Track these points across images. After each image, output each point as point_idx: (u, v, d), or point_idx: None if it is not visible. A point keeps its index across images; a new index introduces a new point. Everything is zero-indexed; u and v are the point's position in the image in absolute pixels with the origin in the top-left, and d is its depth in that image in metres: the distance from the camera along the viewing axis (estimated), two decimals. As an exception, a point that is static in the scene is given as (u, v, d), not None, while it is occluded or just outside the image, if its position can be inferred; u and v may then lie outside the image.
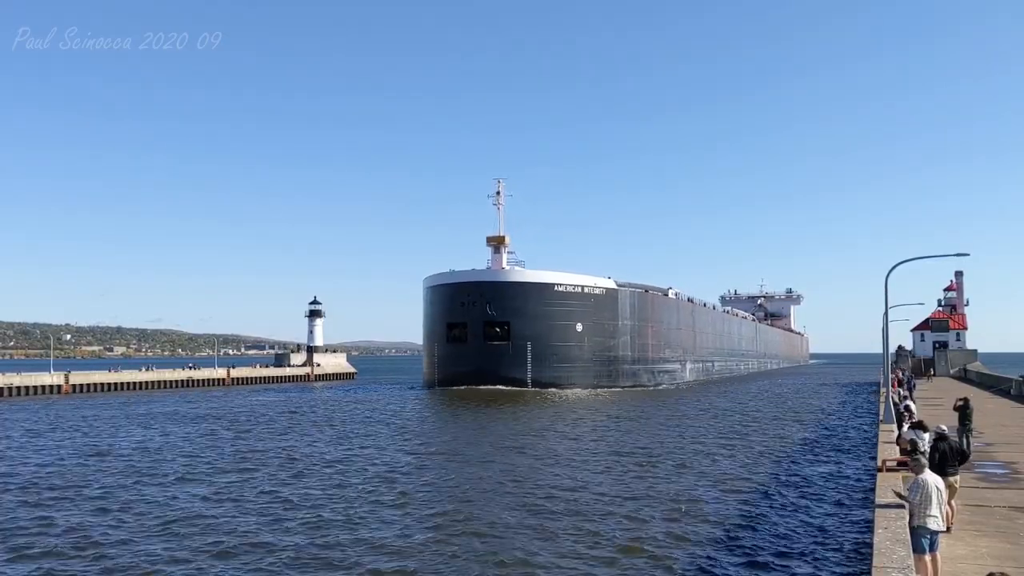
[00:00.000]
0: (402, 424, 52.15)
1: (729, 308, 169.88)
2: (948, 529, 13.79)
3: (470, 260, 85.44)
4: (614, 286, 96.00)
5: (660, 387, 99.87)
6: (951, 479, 14.91)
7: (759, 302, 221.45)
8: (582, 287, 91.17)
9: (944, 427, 16.75)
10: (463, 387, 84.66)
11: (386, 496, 26.34)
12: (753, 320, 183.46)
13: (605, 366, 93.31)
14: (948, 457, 15.23)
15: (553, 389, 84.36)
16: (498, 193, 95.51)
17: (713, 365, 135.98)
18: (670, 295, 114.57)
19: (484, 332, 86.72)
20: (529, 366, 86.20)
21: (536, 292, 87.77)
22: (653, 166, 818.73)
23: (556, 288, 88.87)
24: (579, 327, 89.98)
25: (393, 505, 24.94)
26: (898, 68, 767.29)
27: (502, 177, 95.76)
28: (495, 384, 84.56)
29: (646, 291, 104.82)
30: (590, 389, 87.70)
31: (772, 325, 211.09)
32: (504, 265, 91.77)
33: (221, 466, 33.79)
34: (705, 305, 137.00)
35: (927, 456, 14.66)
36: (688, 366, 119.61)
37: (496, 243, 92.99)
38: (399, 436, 44.63)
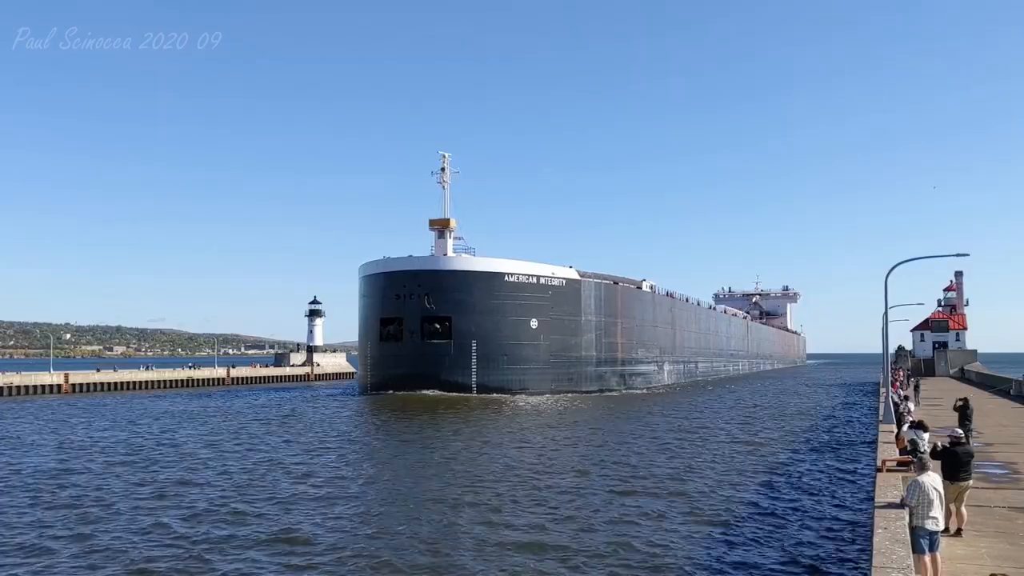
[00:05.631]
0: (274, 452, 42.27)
1: (719, 305, 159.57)
2: (959, 532, 14.51)
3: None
4: (576, 277, 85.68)
5: (632, 391, 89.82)
6: (966, 483, 14.79)
7: (754, 300, 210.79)
8: (538, 277, 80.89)
9: (960, 431, 16.61)
10: (398, 392, 74.77)
11: None
12: (745, 318, 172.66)
13: (565, 368, 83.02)
14: (963, 462, 14.88)
15: (495, 394, 74.66)
16: (443, 169, 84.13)
17: (697, 366, 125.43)
18: (644, 288, 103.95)
19: (422, 329, 76.46)
20: (474, 368, 76.09)
21: (483, 283, 77.54)
22: (653, 167, 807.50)
23: (507, 278, 78.61)
24: (534, 323, 79.94)
25: None
26: (899, 73, 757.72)
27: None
28: (435, 389, 74.40)
29: (615, 283, 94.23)
30: (547, 395, 77.69)
31: (767, 324, 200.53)
32: (449, 252, 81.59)
33: None
34: (688, 300, 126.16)
35: (944, 457, 15.06)
36: (666, 368, 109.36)
37: (440, 227, 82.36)
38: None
